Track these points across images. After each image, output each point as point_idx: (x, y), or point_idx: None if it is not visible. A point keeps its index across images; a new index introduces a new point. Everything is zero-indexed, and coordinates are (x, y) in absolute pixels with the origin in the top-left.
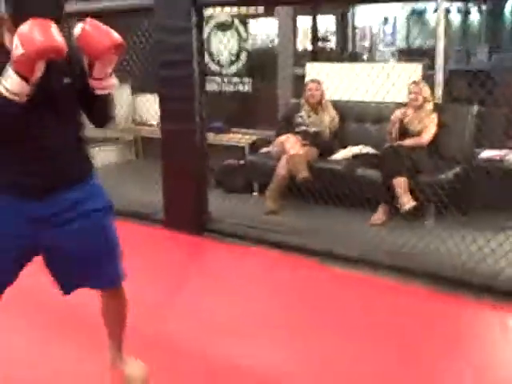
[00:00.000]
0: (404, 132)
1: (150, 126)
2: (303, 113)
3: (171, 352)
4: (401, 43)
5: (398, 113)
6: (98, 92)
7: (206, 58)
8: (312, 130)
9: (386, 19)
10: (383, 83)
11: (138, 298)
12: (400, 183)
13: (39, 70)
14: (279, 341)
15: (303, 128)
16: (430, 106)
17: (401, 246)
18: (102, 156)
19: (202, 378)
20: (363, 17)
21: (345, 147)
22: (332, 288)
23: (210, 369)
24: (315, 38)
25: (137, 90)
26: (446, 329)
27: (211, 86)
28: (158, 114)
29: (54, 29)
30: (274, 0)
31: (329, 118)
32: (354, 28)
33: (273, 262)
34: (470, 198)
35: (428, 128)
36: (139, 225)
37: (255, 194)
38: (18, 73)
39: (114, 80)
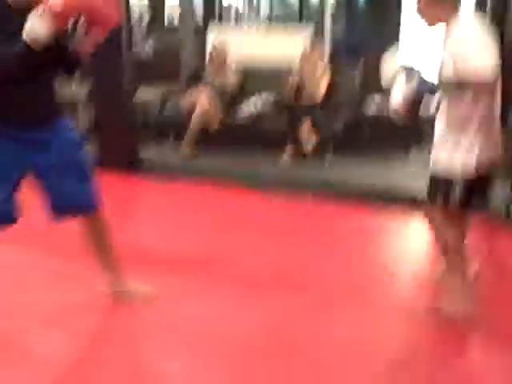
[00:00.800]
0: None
1: None
2: (209, 71)
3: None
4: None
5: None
6: (85, 49)
7: None
8: (218, 86)
9: None
10: (279, 46)
11: None
12: (304, 129)
13: (67, 24)
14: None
15: (210, 84)
16: (321, 67)
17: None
18: None
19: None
20: None
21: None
22: (254, 207)
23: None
24: None
25: None
26: (354, 229)
27: None
28: None
29: None
30: None
31: (232, 76)
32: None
33: (202, 193)
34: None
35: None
36: None
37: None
38: (48, 22)
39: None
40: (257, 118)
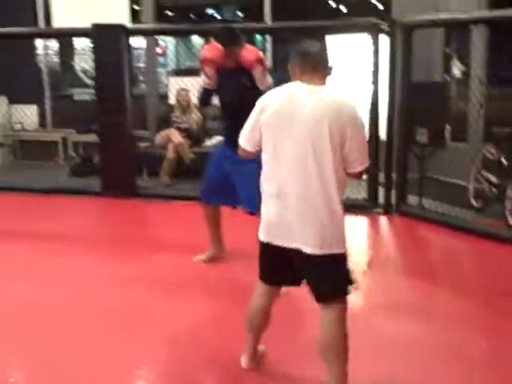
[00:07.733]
0: None
1: (28, 131)
2: (177, 113)
3: None
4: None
5: None
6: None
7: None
8: (184, 126)
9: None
10: None
11: None
12: None
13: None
14: None
15: (178, 125)
16: None
17: None
18: None
19: None
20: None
21: (210, 137)
22: None
23: None
24: None
25: (14, 101)
26: None
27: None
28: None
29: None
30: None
31: (196, 117)
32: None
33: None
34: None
35: None
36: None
37: (145, 176)
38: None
39: None
40: None
